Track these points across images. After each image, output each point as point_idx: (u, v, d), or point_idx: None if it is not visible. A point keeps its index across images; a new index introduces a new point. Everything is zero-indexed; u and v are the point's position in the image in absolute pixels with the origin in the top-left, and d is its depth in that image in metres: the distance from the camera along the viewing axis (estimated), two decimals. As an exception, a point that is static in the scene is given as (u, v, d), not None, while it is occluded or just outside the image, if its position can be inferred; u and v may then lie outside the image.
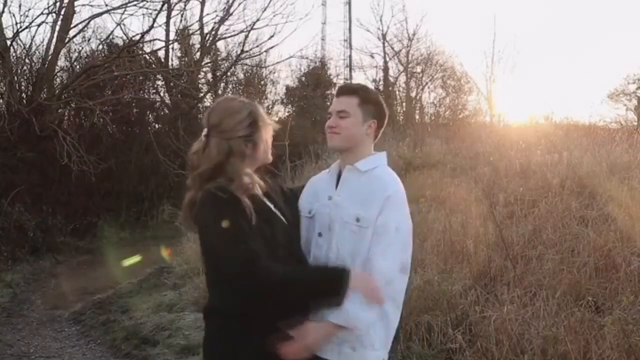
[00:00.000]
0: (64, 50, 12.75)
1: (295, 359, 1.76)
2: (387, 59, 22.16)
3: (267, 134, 1.97)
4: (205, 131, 1.88)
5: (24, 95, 11.86)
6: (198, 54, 16.35)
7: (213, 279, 1.89)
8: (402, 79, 22.03)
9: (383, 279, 1.85)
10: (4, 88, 11.14)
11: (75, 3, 11.91)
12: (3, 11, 11.18)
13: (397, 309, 1.95)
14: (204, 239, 1.81)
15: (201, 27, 16.10)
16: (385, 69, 22.02)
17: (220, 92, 17.76)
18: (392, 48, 22.25)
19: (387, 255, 1.88)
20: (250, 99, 2.04)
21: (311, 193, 2.12)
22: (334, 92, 2.15)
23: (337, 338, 1.86)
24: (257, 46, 16.26)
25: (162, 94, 16.14)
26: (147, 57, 14.59)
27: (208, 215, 1.77)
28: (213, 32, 15.87)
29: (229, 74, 17.26)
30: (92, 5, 12.14)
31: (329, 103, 20.47)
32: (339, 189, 2.04)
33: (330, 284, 1.78)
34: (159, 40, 14.72)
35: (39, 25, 11.77)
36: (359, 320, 1.81)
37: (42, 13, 13.19)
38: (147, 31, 12.56)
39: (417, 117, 21.04)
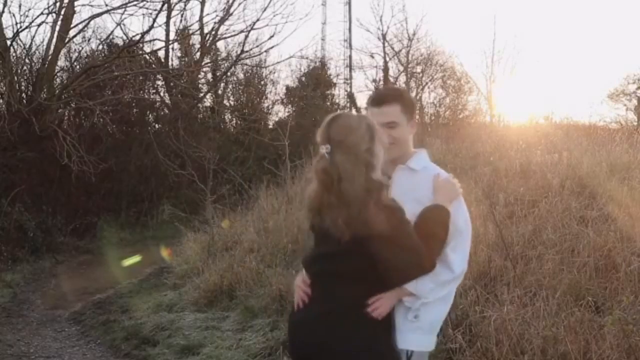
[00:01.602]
0: (64, 50, 12.76)
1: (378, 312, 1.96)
2: (387, 59, 22.17)
3: (382, 144, 2.04)
4: (327, 148, 1.93)
5: (24, 95, 11.87)
6: (198, 54, 16.35)
7: (362, 276, 1.97)
8: (402, 79, 22.03)
9: (458, 272, 2.04)
10: (4, 88, 11.14)
11: (75, 3, 11.93)
12: (3, 11, 11.20)
13: None
14: (398, 242, 1.89)
15: (201, 27, 16.11)
16: (385, 69, 22.02)
17: (220, 92, 17.78)
18: (392, 48, 22.25)
19: (459, 250, 2.03)
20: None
21: None
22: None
23: (401, 315, 2.03)
24: (257, 46, 16.28)
25: (162, 94, 16.15)
26: (147, 57, 14.60)
27: (404, 221, 1.92)
28: (213, 32, 15.89)
29: (229, 74, 17.26)
30: (92, 5, 12.17)
31: (329, 103, 20.56)
32: (393, 189, 2.08)
33: (443, 219, 2.00)
34: (159, 40, 14.76)
35: (39, 25, 11.81)
36: (425, 290, 1.99)
37: (42, 13, 13.25)
38: (147, 31, 12.58)
39: (417, 117, 21.02)
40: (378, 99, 2.14)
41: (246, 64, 17.45)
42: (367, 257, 1.91)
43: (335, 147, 1.91)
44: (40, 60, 12.06)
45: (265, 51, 16.60)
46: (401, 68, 22.22)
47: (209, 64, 17.07)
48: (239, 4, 14.99)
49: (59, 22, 11.83)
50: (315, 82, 19.34)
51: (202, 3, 15.95)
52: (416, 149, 2.19)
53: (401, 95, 2.17)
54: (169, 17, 14.96)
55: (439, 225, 1.99)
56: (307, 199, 2.07)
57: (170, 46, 15.78)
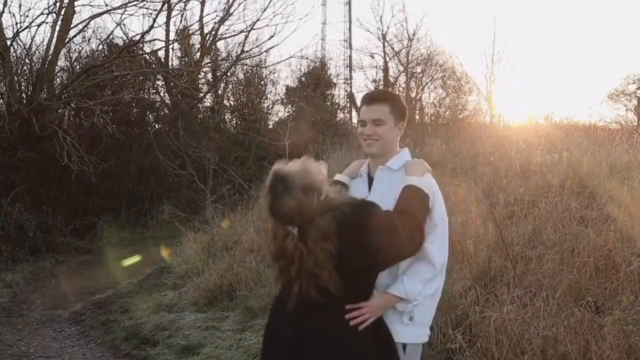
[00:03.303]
0: (64, 50, 12.76)
1: (360, 321, 1.98)
2: (387, 59, 22.15)
3: (320, 175, 2.02)
4: (295, 231, 1.95)
5: (24, 95, 11.86)
6: (198, 54, 16.35)
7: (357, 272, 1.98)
8: (402, 79, 22.03)
9: (439, 264, 2.10)
10: (4, 88, 11.14)
11: (75, 3, 11.93)
12: (3, 11, 11.20)
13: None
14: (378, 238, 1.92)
15: (201, 27, 16.12)
16: (385, 69, 22.01)
17: (220, 92, 17.78)
18: (392, 48, 22.24)
19: (437, 242, 2.11)
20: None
21: None
22: (361, 100, 2.26)
23: (395, 312, 2.09)
24: (257, 46, 16.29)
25: (162, 94, 16.15)
26: (147, 57, 14.61)
27: (378, 217, 1.96)
28: (213, 32, 15.90)
29: (229, 74, 17.27)
30: (92, 5, 12.19)
31: (329, 103, 20.56)
32: (374, 188, 2.24)
33: (417, 198, 2.07)
34: (159, 40, 14.77)
35: (39, 25, 11.82)
36: (414, 293, 2.08)
37: (42, 13, 13.29)
38: (147, 31, 12.58)
39: (417, 117, 21.02)
40: (370, 99, 2.26)
41: (246, 64, 17.48)
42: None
43: (300, 227, 1.94)
44: (40, 60, 12.06)
45: (265, 51, 16.64)
46: (401, 68, 22.22)
47: (209, 64, 17.08)
48: (239, 4, 15.03)
49: (59, 22, 11.83)
50: (315, 82, 19.35)
51: (202, 3, 15.98)
52: (400, 148, 2.31)
53: (392, 97, 2.28)
54: (169, 17, 14.98)
55: (413, 203, 2.05)
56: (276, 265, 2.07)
57: (170, 46, 15.80)
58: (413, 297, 2.08)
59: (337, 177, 2.36)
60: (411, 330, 2.12)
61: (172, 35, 15.66)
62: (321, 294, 1.91)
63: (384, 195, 2.15)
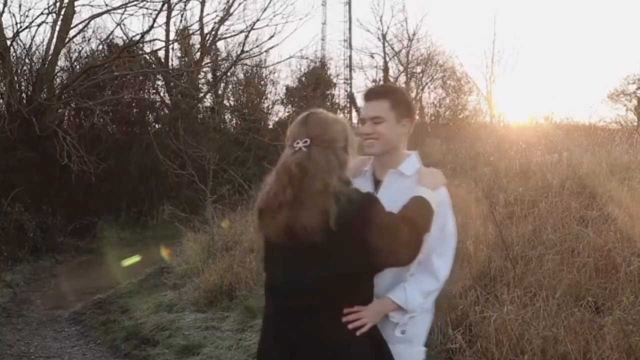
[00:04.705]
0: (64, 50, 12.75)
1: (358, 325, 1.86)
2: (387, 59, 22.20)
3: (353, 148, 1.98)
4: (306, 141, 1.85)
5: (24, 95, 11.86)
6: (198, 54, 16.35)
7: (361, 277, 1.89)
8: (402, 79, 22.05)
9: (441, 278, 2.01)
10: (4, 88, 11.13)
11: (75, 3, 11.92)
12: (3, 11, 11.19)
13: None
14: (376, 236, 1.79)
15: (201, 27, 16.11)
16: (385, 69, 22.04)
17: (220, 92, 17.78)
18: (392, 48, 22.29)
19: (443, 257, 2.02)
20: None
21: None
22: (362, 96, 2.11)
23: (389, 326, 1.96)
24: (257, 46, 16.27)
25: (162, 94, 16.14)
26: (147, 57, 14.60)
27: (382, 215, 1.85)
28: (213, 32, 15.89)
29: (229, 74, 17.25)
30: (92, 5, 12.17)
31: (329, 103, 20.57)
32: (382, 192, 2.06)
33: (423, 210, 1.92)
34: (159, 40, 14.75)
35: (39, 25, 11.80)
36: (414, 303, 1.95)
37: (42, 13, 13.28)
38: (147, 31, 12.56)
39: (417, 117, 21.01)
40: (368, 95, 2.11)
41: (246, 64, 17.46)
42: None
43: (313, 140, 1.85)
44: (40, 60, 12.06)
45: (265, 51, 16.61)
46: (401, 68, 22.26)
47: (209, 64, 17.07)
48: (239, 4, 14.99)
49: (59, 22, 11.83)
50: (315, 82, 19.35)
51: (202, 3, 15.96)
52: (409, 151, 2.14)
53: (392, 92, 2.13)
54: (169, 17, 14.98)
55: (418, 215, 1.90)
56: (263, 197, 1.90)
57: (170, 46, 15.78)
58: (412, 308, 1.94)
59: None
60: (407, 349, 1.99)
61: (172, 35, 15.67)
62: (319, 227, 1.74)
63: (393, 201, 1.97)
